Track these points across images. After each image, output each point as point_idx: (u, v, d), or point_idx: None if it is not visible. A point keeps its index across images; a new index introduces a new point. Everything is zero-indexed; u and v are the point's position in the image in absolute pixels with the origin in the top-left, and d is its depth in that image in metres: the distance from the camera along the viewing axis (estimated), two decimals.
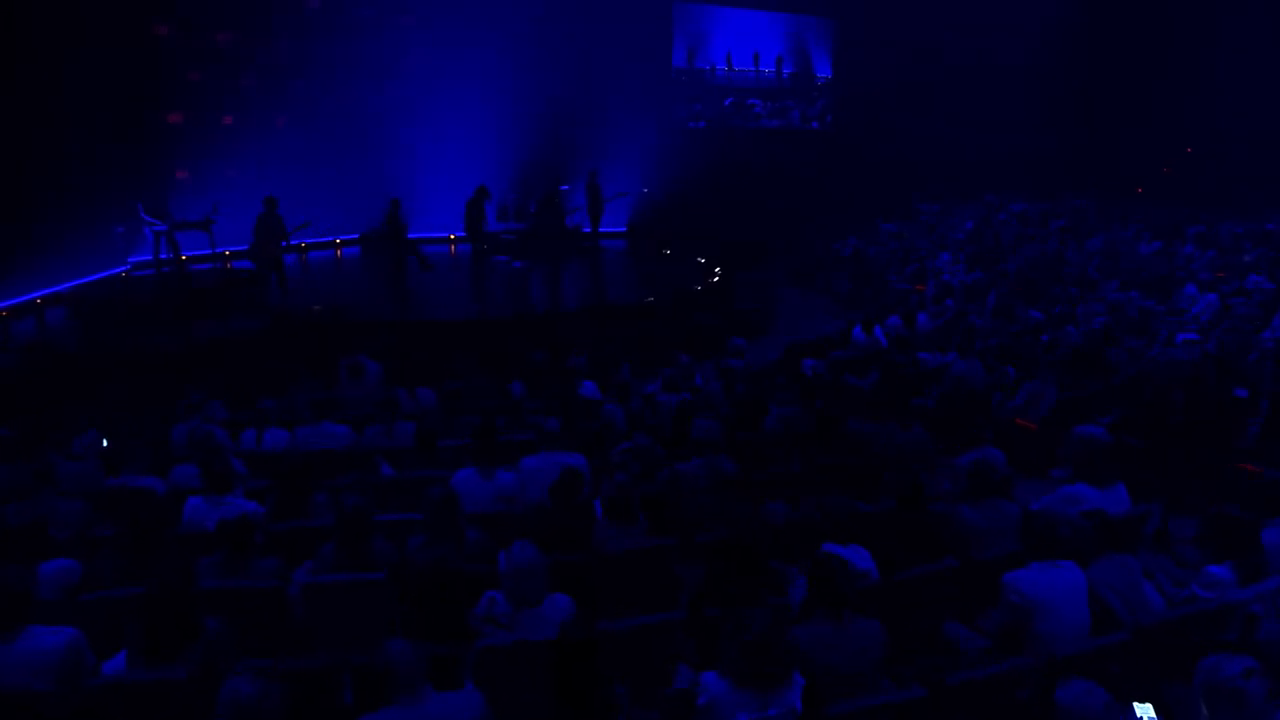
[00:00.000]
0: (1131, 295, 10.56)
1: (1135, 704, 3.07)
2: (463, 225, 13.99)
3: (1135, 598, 3.94)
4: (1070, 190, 22.72)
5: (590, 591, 4.41)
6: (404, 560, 4.44)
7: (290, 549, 4.83)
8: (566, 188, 18.40)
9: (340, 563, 4.40)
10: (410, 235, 13.62)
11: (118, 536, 4.74)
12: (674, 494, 5.34)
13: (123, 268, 13.52)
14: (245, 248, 12.63)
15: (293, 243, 15.53)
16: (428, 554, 4.46)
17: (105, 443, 6.68)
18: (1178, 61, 21.73)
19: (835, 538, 4.36)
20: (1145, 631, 3.58)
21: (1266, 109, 20.10)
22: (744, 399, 6.97)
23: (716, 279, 14.12)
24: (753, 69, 21.82)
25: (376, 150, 17.37)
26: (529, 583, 3.77)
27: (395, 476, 5.89)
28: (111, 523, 5.18)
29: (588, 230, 16.78)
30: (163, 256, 12.48)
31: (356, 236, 17.91)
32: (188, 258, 13.32)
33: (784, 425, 6.55)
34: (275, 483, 5.27)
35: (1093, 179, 22.97)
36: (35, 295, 11.53)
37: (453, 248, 18.12)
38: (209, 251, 13.09)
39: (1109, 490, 4.97)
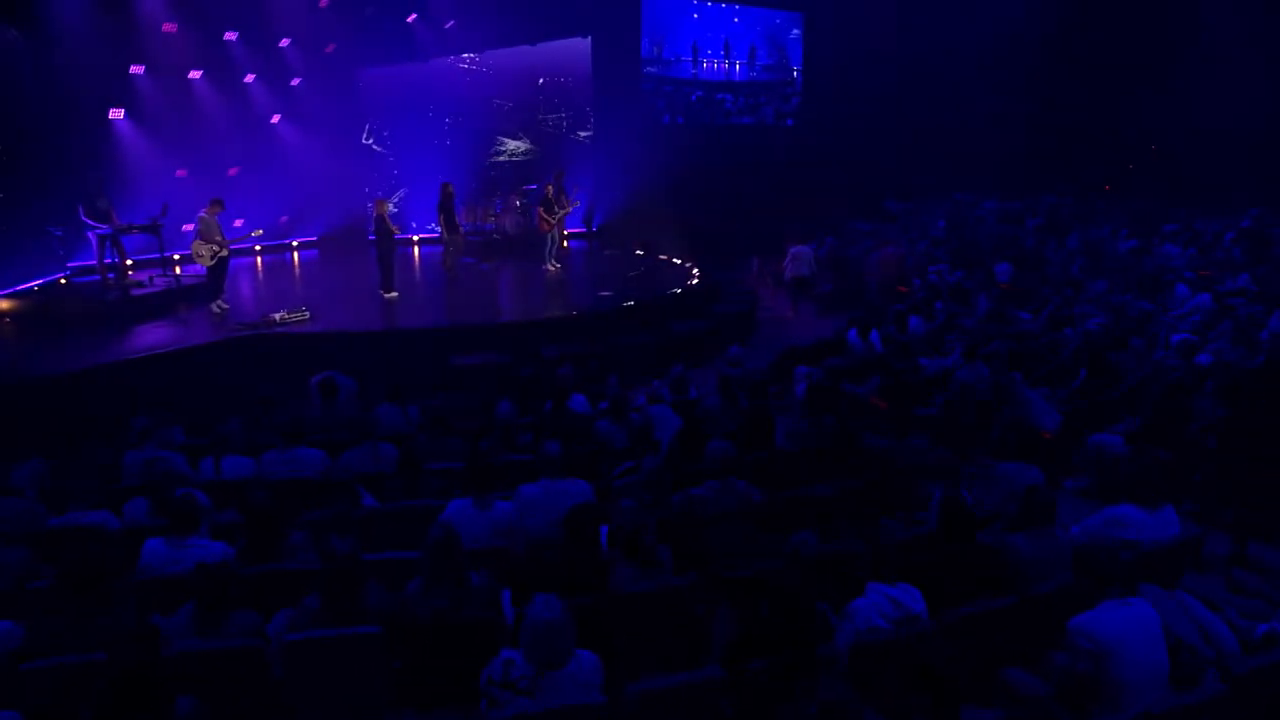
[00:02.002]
0: (1126, 297, 10.42)
1: None
2: (436, 226, 13.43)
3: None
4: (1040, 187, 22.88)
5: (608, 640, 4.00)
6: (401, 611, 3.98)
7: (264, 597, 4.35)
8: (533, 187, 17.97)
9: (327, 616, 3.92)
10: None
11: (63, 584, 4.18)
12: (690, 524, 4.95)
13: (61, 273, 12.75)
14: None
15: (246, 245, 14.94)
16: (427, 603, 4.02)
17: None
18: (1143, 59, 21.93)
19: (879, 574, 4.00)
20: (1241, 681, 3.27)
21: (1232, 106, 20.36)
22: (753, 414, 6.59)
23: (696, 281, 13.76)
24: (723, 60, 21.38)
25: (333, 149, 16.74)
26: (554, 643, 3.34)
27: (379, 508, 5.41)
28: (56, 568, 4.62)
29: None
30: (107, 261, 11.73)
31: (315, 238, 17.26)
32: (133, 262, 12.62)
33: (797, 442, 6.19)
34: (245, 520, 4.76)
35: (1061, 176, 23.13)
36: None
37: (416, 249, 17.56)
38: (158, 256, 12.37)
39: (1157, 512, 4.70)
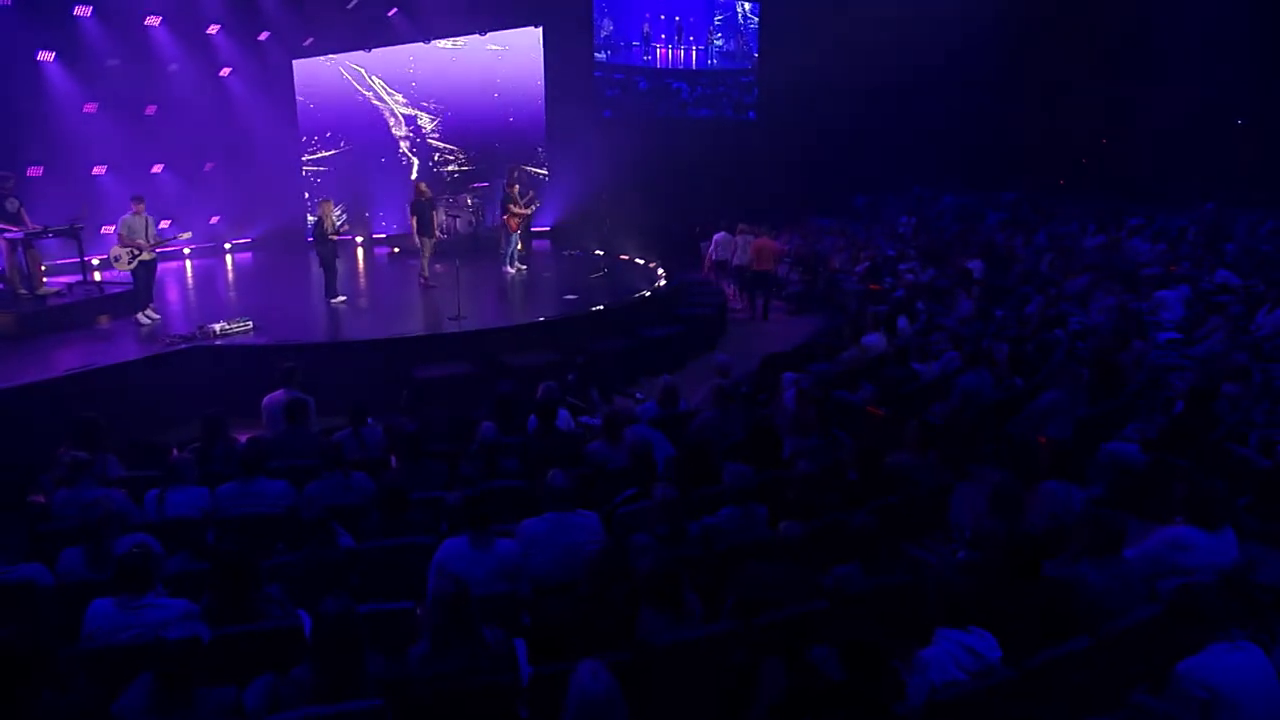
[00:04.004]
0: (1126, 297, 10.39)
1: None
2: (412, 227, 12.72)
3: None
4: (995, 181, 23.18)
5: (645, 700, 3.60)
6: (407, 679, 3.51)
7: (236, 663, 3.83)
8: (484, 184, 17.45)
9: (320, 689, 3.42)
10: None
11: None
12: (716, 559, 4.57)
13: None
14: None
15: (174, 248, 14.10)
16: (437, 668, 3.55)
17: None
18: (1096, 56, 22.35)
19: (944, 616, 3.65)
20: None
21: (1181, 103, 20.86)
22: (758, 430, 6.24)
23: (664, 283, 13.39)
24: (677, 46, 20.80)
25: (267, 144, 15.94)
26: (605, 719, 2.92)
27: (358, 549, 4.88)
28: None
29: None
30: (20, 268, 10.83)
31: (250, 240, 16.42)
32: (46, 268, 11.72)
33: (811, 460, 5.83)
34: (212, 570, 4.21)
35: (1017, 170, 23.46)
36: None
37: (358, 250, 16.83)
38: (78, 260, 11.50)
39: (1217, 534, 4.47)
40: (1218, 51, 19.51)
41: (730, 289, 15.50)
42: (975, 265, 14.21)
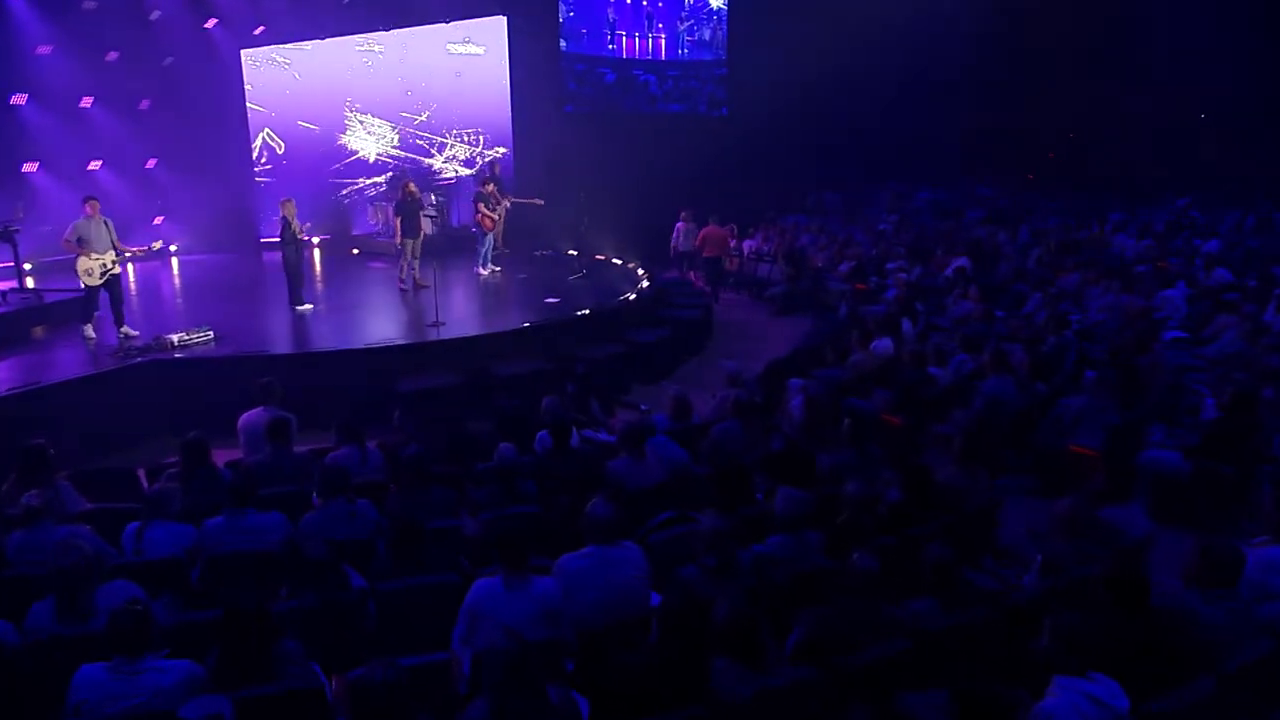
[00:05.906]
0: (1124, 296, 10.35)
1: None
2: (404, 228, 12.08)
3: None
4: (967, 177, 23.32)
5: None
6: None
7: None
8: (450, 180, 16.97)
9: None
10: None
11: None
12: (773, 593, 4.25)
13: None
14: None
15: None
16: None
17: None
18: (1066, 51, 22.62)
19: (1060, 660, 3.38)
20: None
21: (1152, 98, 21.21)
22: (793, 446, 5.94)
23: (647, 284, 13.05)
24: (646, 35, 20.34)
25: (211, 139, 15.23)
26: None
27: (370, 589, 4.47)
28: None
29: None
30: None
31: (196, 241, 15.68)
32: None
33: (857, 480, 5.56)
34: (220, 626, 3.77)
35: (987, 166, 23.65)
36: None
37: (317, 252, 16.19)
38: (12, 264, 10.79)
39: None
40: (1188, 48, 19.85)
41: (691, 275, 15.99)
42: (963, 263, 14.15)
